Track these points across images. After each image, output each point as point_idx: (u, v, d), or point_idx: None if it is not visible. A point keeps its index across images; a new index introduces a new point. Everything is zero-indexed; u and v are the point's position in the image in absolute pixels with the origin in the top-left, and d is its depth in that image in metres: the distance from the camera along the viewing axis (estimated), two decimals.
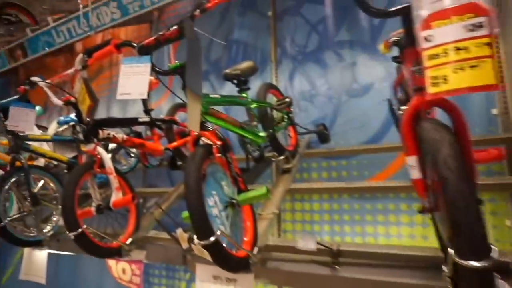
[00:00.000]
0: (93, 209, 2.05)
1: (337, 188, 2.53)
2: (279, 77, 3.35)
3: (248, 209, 1.68)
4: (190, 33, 1.44)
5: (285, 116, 2.52)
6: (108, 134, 2.20)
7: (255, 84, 2.44)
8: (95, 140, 2.05)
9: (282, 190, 2.24)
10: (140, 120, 2.52)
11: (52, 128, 3.16)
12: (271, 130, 2.16)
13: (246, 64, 2.20)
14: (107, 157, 2.06)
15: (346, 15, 3.10)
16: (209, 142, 1.57)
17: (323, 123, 2.44)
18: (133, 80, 1.60)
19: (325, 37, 3.18)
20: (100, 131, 2.14)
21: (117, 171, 2.22)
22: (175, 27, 1.53)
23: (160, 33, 1.54)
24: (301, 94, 3.22)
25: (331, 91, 3.09)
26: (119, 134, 2.28)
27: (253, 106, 2.22)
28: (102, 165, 2.06)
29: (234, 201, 1.56)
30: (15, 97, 2.43)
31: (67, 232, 1.82)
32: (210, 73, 3.85)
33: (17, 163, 2.43)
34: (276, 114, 2.42)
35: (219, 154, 1.55)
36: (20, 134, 2.45)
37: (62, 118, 2.99)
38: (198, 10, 1.49)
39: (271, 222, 1.98)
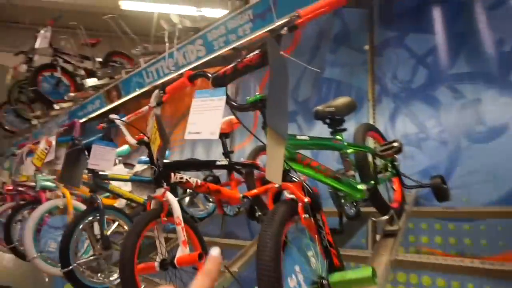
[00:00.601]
0: (156, 264, 1.77)
1: (461, 267, 1.87)
2: (377, 118, 2.87)
3: None
4: (275, 57, 1.12)
5: (389, 165, 2.02)
6: (181, 178, 1.96)
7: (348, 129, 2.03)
8: (165, 184, 1.82)
9: (386, 262, 1.71)
10: (217, 163, 2.27)
11: (136, 168, 3.11)
12: (372, 182, 1.69)
13: (342, 100, 1.81)
14: (176, 205, 1.80)
15: (464, 43, 2.55)
16: (293, 197, 1.18)
17: (441, 175, 1.88)
18: (204, 117, 1.33)
19: (436, 70, 2.65)
20: (172, 175, 1.92)
21: (188, 222, 1.95)
22: (257, 51, 1.24)
23: (239, 59, 1.26)
24: (405, 137, 2.67)
25: (445, 135, 2.50)
26: (193, 178, 2.03)
27: (349, 151, 1.79)
28: (170, 213, 1.81)
29: (325, 283, 1.12)
30: (99, 135, 2.39)
31: None
32: (297, 114, 3.53)
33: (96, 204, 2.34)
34: (378, 162, 1.95)
35: (306, 215, 1.15)
36: (99, 173, 2.38)
37: (143, 158, 2.92)
38: (285, 28, 1.17)
39: None
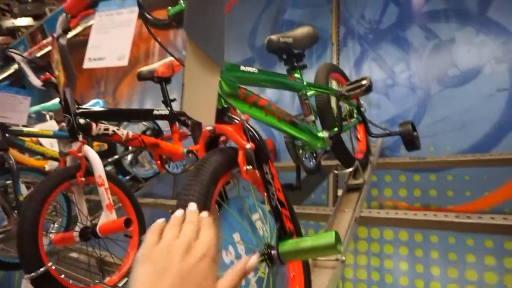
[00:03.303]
0: (75, 233, 1.45)
1: (425, 221, 1.68)
2: (342, 64, 2.58)
3: None
4: None
5: (355, 111, 1.76)
6: (106, 129, 1.60)
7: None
8: (81, 136, 1.45)
9: (350, 219, 1.49)
10: (155, 113, 1.90)
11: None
12: (336, 129, 1.42)
13: (301, 30, 1.48)
14: (97, 161, 1.45)
15: None
16: (230, 143, 0.88)
17: (411, 121, 1.65)
18: (110, 37, 0.95)
19: (408, 8, 2.36)
20: (94, 125, 1.55)
21: (115, 181, 1.61)
22: None
23: None
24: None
25: (415, 80, 2.26)
26: (123, 130, 1.67)
27: (310, 92, 1.49)
28: (89, 172, 1.46)
29: (273, 253, 0.84)
30: (6, 82, 1.93)
31: (24, 273, 1.22)
32: (254, 62, 3.17)
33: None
34: (342, 108, 1.67)
35: (248, 166, 0.84)
36: (10, 128, 1.94)
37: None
38: None
39: (334, 275, 1.23)
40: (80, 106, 1.56)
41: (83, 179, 1.44)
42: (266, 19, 3.17)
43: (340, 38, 2.62)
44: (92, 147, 2.18)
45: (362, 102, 1.91)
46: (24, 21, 3.66)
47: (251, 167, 0.85)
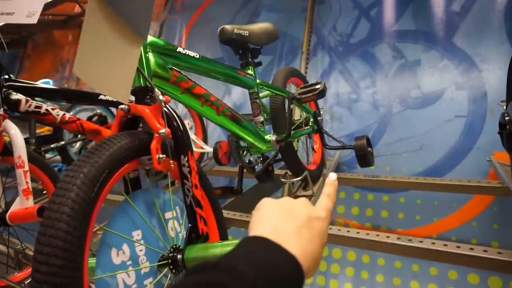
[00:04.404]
0: None
1: (374, 242, 1.62)
2: (310, 72, 2.53)
3: None
4: None
5: (311, 118, 1.68)
6: (38, 107, 1.44)
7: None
8: (2, 110, 1.29)
9: None
10: (102, 97, 1.75)
11: None
12: (285, 134, 1.33)
13: (260, 25, 1.39)
14: (19, 138, 1.29)
15: None
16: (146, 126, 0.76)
17: (367, 136, 1.59)
18: None
19: (378, 25, 2.35)
20: (24, 100, 1.39)
21: (39, 162, 1.46)
22: None
23: None
24: (336, 97, 2.37)
25: (379, 97, 2.23)
26: (59, 110, 1.52)
27: (263, 93, 1.40)
28: (7, 151, 1.30)
29: (179, 258, 0.73)
30: None
31: None
32: (223, 61, 3.06)
33: None
34: (298, 113, 1.59)
35: (162, 155, 0.73)
36: None
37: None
38: None
39: None
40: (11, 78, 1.40)
41: None
42: (240, 20, 3.09)
43: (310, 47, 2.58)
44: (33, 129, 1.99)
45: (322, 113, 1.84)
46: None
47: (164, 156, 0.74)
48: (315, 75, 2.50)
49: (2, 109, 1.29)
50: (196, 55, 1.02)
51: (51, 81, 2.40)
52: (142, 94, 0.80)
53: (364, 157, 1.57)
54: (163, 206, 0.81)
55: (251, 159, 1.36)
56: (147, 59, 0.84)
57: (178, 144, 0.77)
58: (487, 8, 2.04)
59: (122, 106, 0.76)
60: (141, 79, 0.81)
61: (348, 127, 2.27)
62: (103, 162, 0.63)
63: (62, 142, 2.47)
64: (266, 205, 0.43)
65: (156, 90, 0.76)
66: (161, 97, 0.75)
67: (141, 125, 0.84)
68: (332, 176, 0.50)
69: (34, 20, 0.79)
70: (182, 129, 0.77)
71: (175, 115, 0.76)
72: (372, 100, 2.24)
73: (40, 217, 1.20)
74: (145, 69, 0.83)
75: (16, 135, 1.30)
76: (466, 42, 2.02)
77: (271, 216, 0.41)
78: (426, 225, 1.88)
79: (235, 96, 2.79)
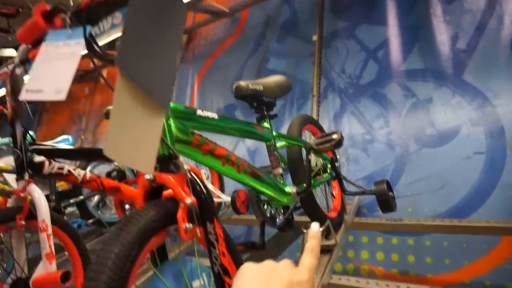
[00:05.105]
0: (5, 286, 1.27)
1: None
2: (322, 115, 2.55)
3: None
4: None
5: (329, 166, 1.68)
6: (60, 168, 1.47)
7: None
8: (27, 174, 1.32)
9: (315, 286, 1.34)
10: None
11: None
12: (306, 185, 1.32)
13: (273, 78, 1.43)
14: (43, 203, 1.31)
15: (418, 38, 2.31)
16: (173, 196, 0.76)
17: (387, 180, 1.57)
18: (52, 68, 0.87)
19: (387, 65, 2.39)
20: (47, 163, 1.43)
21: (63, 226, 1.47)
22: None
23: None
24: (350, 139, 2.37)
25: (394, 137, 2.22)
26: (80, 170, 1.55)
27: (280, 144, 1.41)
28: (32, 215, 1.31)
29: None
30: None
31: None
32: (236, 108, 3.13)
33: None
34: (314, 161, 1.59)
35: (189, 224, 0.73)
36: None
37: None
38: None
39: None
40: (35, 142, 1.45)
41: (23, 223, 1.29)
42: (250, 66, 3.19)
43: (321, 90, 2.62)
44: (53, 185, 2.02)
45: (338, 157, 1.84)
46: (7, 52, 3.62)
47: (192, 225, 0.73)
48: (328, 118, 2.53)
49: (27, 174, 1.32)
50: (215, 116, 1.05)
51: (70, 138, 2.47)
52: (166, 162, 0.82)
53: (386, 202, 1.54)
54: (191, 275, 0.80)
55: (272, 211, 1.34)
56: (169, 126, 0.87)
57: (204, 211, 0.77)
58: (493, 43, 2.06)
59: (148, 177, 0.77)
60: (164, 147, 0.82)
61: (365, 168, 2.24)
62: (132, 239, 0.63)
63: (81, 197, 2.49)
64: (247, 272, 0.43)
65: (181, 159, 0.77)
66: (186, 166, 0.76)
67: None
68: (315, 227, 0.49)
69: (62, 96, 0.82)
70: (207, 197, 0.77)
71: (200, 183, 0.77)
72: (387, 140, 2.23)
73: (64, 283, 1.19)
74: (168, 136, 0.85)
75: (40, 198, 1.32)
76: (476, 78, 2.03)
77: (251, 284, 0.41)
78: (457, 270, 1.80)
79: (249, 142, 2.81)
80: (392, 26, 2.41)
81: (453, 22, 2.17)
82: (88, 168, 2.50)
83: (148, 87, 0.70)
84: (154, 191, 0.82)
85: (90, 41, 0.84)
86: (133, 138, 0.67)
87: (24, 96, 0.86)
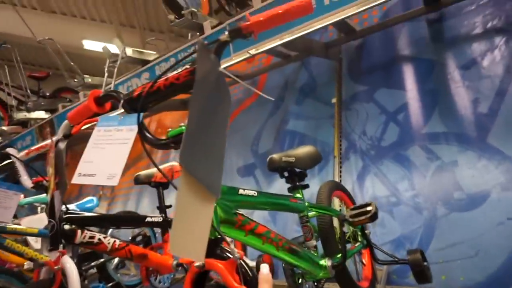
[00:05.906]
0: None
1: None
2: (344, 176, 2.56)
3: None
4: (203, 67, 0.75)
5: (359, 233, 1.65)
6: (91, 237, 1.48)
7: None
8: (62, 246, 1.33)
9: None
10: (148, 220, 1.80)
11: None
12: (339, 256, 1.29)
13: (304, 149, 1.46)
14: (75, 275, 1.30)
15: (437, 101, 2.36)
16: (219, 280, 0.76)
17: (420, 250, 1.53)
18: (105, 153, 0.92)
19: (408, 128, 2.42)
20: (79, 232, 1.44)
21: None
22: (188, 65, 0.88)
23: (162, 76, 0.89)
24: (374, 201, 2.34)
25: (420, 200, 2.19)
26: (110, 238, 1.55)
27: (311, 214, 1.41)
28: (62, 286, 1.30)
29: None
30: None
31: None
32: (256, 168, 3.17)
33: None
34: (346, 230, 1.57)
35: None
36: None
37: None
38: (225, 33, 0.83)
39: None
40: (68, 210, 1.48)
41: None
42: (270, 127, 3.26)
43: (342, 152, 2.65)
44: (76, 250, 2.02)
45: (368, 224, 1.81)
46: (36, 114, 3.81)
47: None
48: (351, 179, 2.52)
49: (61, 246, 1.33)
50: (255, 193, 1.07)
51: (94, 199, 2.50)
52: (213, 245, 0.82)
53: (422, 273, 1.50)
54: None
55: (307, 285, 1.31)
56: (215, 209, 0.88)
57: None
58: None
59: (197, 264, 0.78)
60: (211, 230, 0.83)
61: (392, 232, 2.19)
62: None
63: (102, 260, 2.46)
64: None
65: (232, 246, 0.78)
66: (236, 254, 0.76)
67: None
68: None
69: (115, 182, 0.86)
70: (257, 284, 0.76)
71: (249, 271, 0.77)
72: (414, 203, 2.20)
73: None
74: (214, 219, 0.86)
75: (71, 269, 1.32)
76: (501, 141, 2.04)
77: None
78: None
79: None
80: (411, 90, 2.48)
81: (472, 88, 2.22)
82: (110, 231, 2.50)
83: (203, 176, 0.73)
84: (201, 274, 0.81)
85: (141, 127, 0.89)
86: (189, 229, 0.68)
87: (77, 179, 0.90)
